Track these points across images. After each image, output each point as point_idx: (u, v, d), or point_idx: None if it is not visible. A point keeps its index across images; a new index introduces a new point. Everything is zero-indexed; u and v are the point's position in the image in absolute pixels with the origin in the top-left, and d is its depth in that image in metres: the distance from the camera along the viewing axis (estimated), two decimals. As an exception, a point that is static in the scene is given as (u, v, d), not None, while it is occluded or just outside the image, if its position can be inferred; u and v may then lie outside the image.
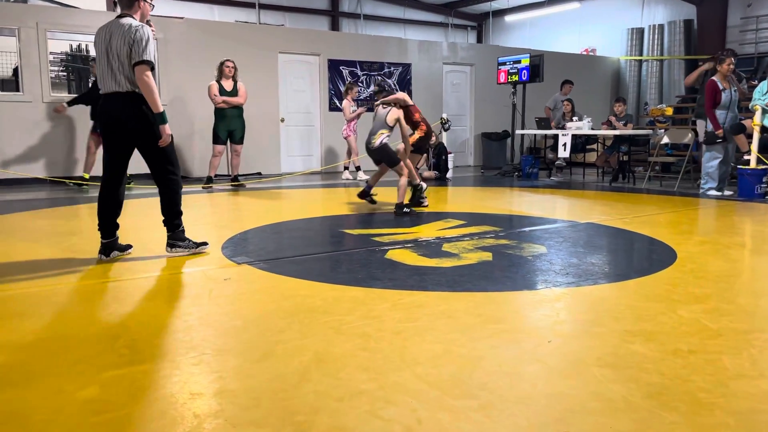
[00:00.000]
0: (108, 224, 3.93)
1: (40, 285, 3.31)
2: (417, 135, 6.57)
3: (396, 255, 4.04)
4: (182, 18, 10.10)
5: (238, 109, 8.30)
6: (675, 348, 2.35)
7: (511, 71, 10.62)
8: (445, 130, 10.41)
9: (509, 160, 11.55)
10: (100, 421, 1.78)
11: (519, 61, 10.47)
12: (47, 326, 2.64)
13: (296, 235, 4.92)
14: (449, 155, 10.15)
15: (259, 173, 10.25)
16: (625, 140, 9.21)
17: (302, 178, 10.01)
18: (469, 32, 18.53)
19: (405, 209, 5.93)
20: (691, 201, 7.05)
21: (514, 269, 3.67)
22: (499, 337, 2.49)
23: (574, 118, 9.87)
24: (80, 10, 10.23)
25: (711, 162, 7.60)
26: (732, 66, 7.50)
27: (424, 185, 6.44)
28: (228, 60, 8.25)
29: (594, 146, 10.36)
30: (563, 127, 9.76)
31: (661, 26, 13.77)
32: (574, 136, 9.51)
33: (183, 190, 4.13)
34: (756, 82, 9.30)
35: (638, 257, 4.28)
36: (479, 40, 18.33)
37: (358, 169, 9.74)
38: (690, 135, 8.56)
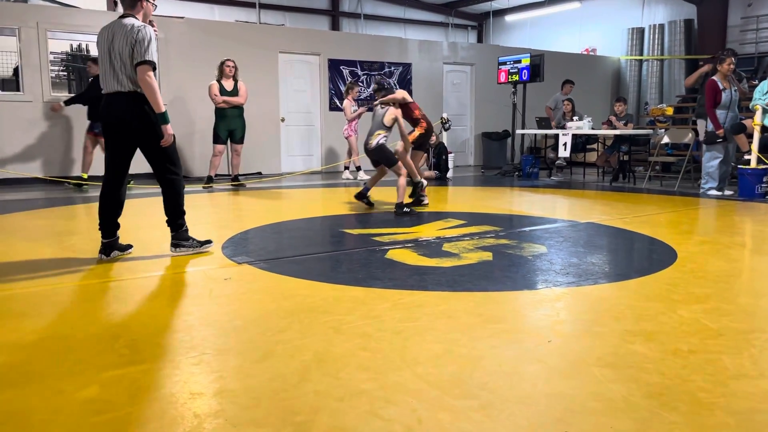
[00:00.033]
0: (109, 224, 3.93)
1: (41, 284, 3.31)
2: (417, 132, 6.56)
3: (396, 255, 4.04)
4: (182, 18, 10.10)
5: (239, 108, 8.30)
6: (675, 348, 2.35)
7: (511, 71, 10.62)
8: (446, 130, 10.40)
9: (509, 160, 11.54)
10: (100, 421, 1.78)
11: (519, 61, 10.47)
12: (47, 326, 2.64)
13: (296, 235, 4.92)
14: (449, 155, 10.15)
15: (260, 173, 10.25)
16: (625, 140, 9.21)
17: (302, 178, 10.01)
18: (470, 32, 18.53)
19: (405, 209, 5.93)
20: (691, 201, 7.05)
21: (515, 269, 3.67)
22: (499, 336, 2.49)
23: (575, 118, 9.87)
24: (81, 9, 10.24)
25: (711, 162, 7.60)
26: (732, 66, 7.50)
27: (425, 182, 6.43)
28: (228, 59, 8.25)
29: (594, 146, 10.36)
30: (563, 127, 9.76)
31: (662, 26, 13.76)
32: (574, 136, 9.50)
33: (184, 189, 4.13)
34: (756, 81, 9.30)
35: (638, 257, 4.28)
36: (480, 39, 18.33)
37: (358, 169, 9.74)
38: (690, 135, 8.55)
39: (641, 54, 14.17)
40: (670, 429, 1.73)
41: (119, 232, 4.03)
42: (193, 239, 4.11)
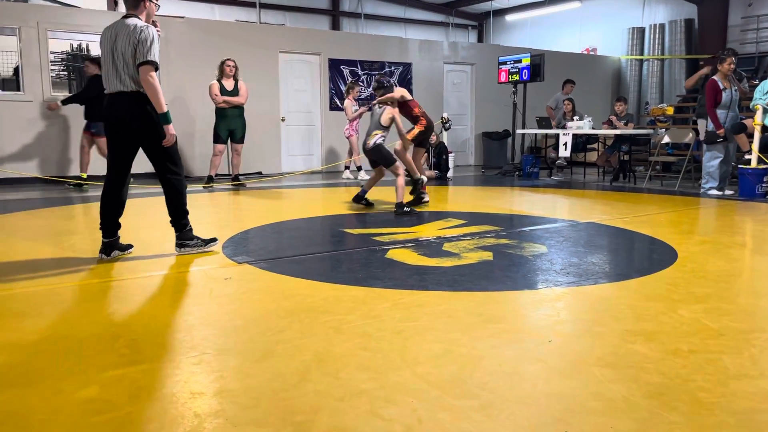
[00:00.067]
0: (110, 223, 3.94)
1: (41, 284, 3.31)
2: (417, 130, 6.53)
3: (396, 254, 4.04)
4: (183, 17, 10.10)
5: (239, 108, 8.30)
6: (675, 348, 2.35)
7: (511, 71, 10.62)
8: (446, 130, 10.40)
9: (510, 160, 11.55)
10: (100, 421, 1.78)
11: (520, 61, 10.47)
12: (47, 326, 2.64)
13: (297, 235, 4.92)
14: (450, 155, 10.15)
15: (260, 173, 10.25)
16: (625, 140, 9.21)
17: (303, 178, 10.01)
18: (470, 32, 18.52)
19: (405, 208, 5.92)
20: (691, 200, 7.05)
21: (515, 269, 3.67)
22: (499, 336, 2.49)
23: (575, 118, 9.87)
24: (81, 9, 10.25)
25: (712, 161, 7.59)
26: (733, 66, 7.50)
27: (425, 178, 6.42)
28: (229, 59, 8.25)
29: (595, 146, 10.36)
30: (564, 127, 9.75)
31: (662, 26, 13.75)
32: (574, 136, 9.50)
33: (186, 189, 4.14)
34: (757, 81, 9.29)
35: (639, 257, 4.28)
36: (480, 39, 18.32)
37: (359, 168, 9.74)
38: (691, 134, 8.55)
39: (642, 54, 14.17)
40: (671, 429, 1.73)
41: (120, 232, 4.03)
42: (198, 238, 4.12)
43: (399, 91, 6.41)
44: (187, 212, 4.07)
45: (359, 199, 6.32)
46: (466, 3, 16.77)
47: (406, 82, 11.88)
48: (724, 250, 4.20)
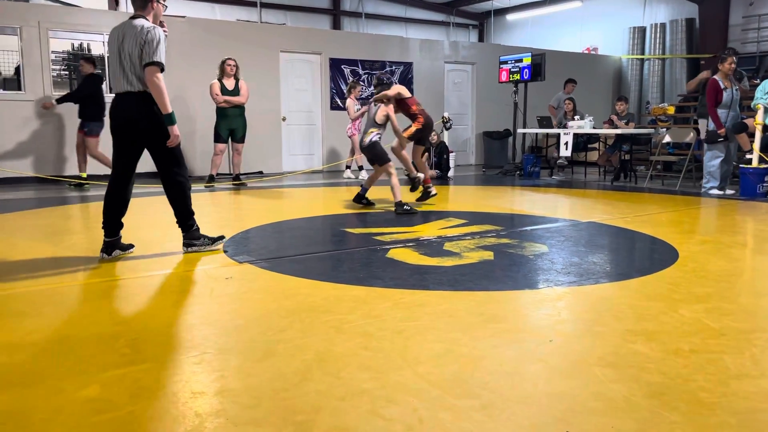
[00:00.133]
0: (113, 223, 3.94)
1: (42, 284, 3.32)
2: (414, 128, 6.48)
3: (397, 254, 4.04)
4: (184, 17, 10.10)
5: (240, 107, 8.30)
6: (676, 347, 2.35)
7: (512, 70, 10.61)
8: (447, 129, 10.40)
9: (511, 159, 11.55)
10: (101, 421, 1.78)
11: (521, 60, 10.46)
12: (48, 325, 2.64)
13: (298, 234, 4.92)
14: (451, 154, 10.15)
15: (261, 172, 10.25)
16: (626, 139, 9.20)
17: (304, 177, 10.01)
18: (471, 31, 18.51)
19: (405, 207, 5.91)
20: (692, 200, 7.04)
21: (516, 268, 3.67)
22: (500, 336, 2.49)
23: (576, 117, 9.87)
24: (82, 9, 10.25)
25: (713, 161, 7.59)
26: (733, 65, 7.49)
27: (421, 176, 6.42)
28: (229, 58, 8.25)
29: (596, 145, 10.35)
30: (565, 126, 9.75)
31: (663, 25, 13.75)
32: (575, 135, 9.50)
33: (190, 190, 4.14)
34: (758, 80, 9.28)
35: (640, 256, 4.28)
36: (481, 38, 18.31)
37: (360, 168, 9.74)
38: (692, 134, 8.55)
39: (643, 53, 14.16)
40: (671, 429, 1.73)
41: (121, 232, 4.03)
42: (205, 237, 4.14)
43: (395, 88, 6.34)
44: (192, 212, 4.09)
45: (360, 198, 6.32)
46: (467, 2, 16.76)
47: (406, 81, 11.88)
48: (725, 250, 4.19)
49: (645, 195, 7.67)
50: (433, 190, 6.48)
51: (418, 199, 6.43)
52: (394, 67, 11.77)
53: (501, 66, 10.87)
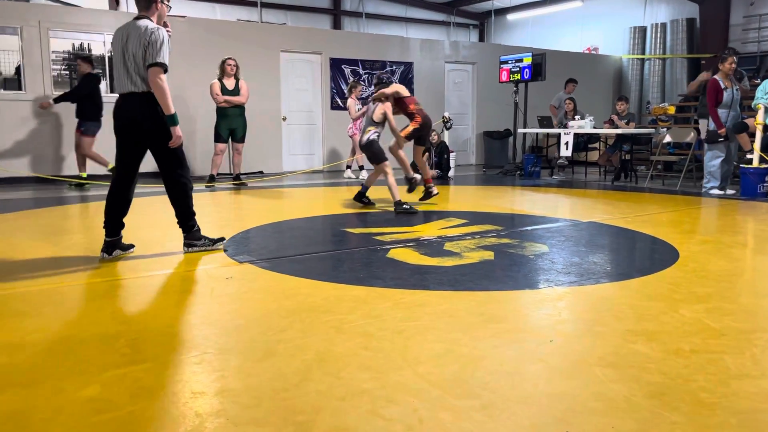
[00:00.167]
0: (114, 222, 3.95)
1: (42, 284, 3.32)
2: (411, 127, 6.45)
3: (398, 254, 4.04)
4: (184, 17, 10.10)
5: (240, 107, 8.30)
6: (677, 347, 2.35)
7: (513, 70, 10.61)
8: (447, 129, 10.40)
9: (511, 159, 11.55)
10: (101, 420, 1.78)
11: (521, 60, 10.46)
12: (48, 325, 2.64)
13: (298, 234, 4.92)
14: (451, 154, 10.14)
15: (261, 172, 10.25)
16: (627, 139, 9.20)
17: (304, 177, 10.01)
18: (471, 31, 18.51)
19: (404, 206, 5.91)
20: (693, 200, 7.04)
21: (516, 268, 3.67)
22: (500, 336, 2.48)
23: (576, 117, 9.86)
24: (82, 8, 10.25)
25: (713, 161, 7.58)
26: (734, 65, 7.49)
27: (418, 177, 6.42)
28: (230, 58, 8.25)
29: (596, 145, 10.35)
30: (565, 126, 9.75)
31: (664, 25, 13.74)
32: (576, 135, 9.49)
33: (192, 191, 4.14)
34: (758, 80, 9.28)
35: (640, 256, 4.28)
36: (481, 38, 18.31)
37: (361, 168, 9.74)
38: (692, 134, 8.54)
39: (643, 53, 14.15)
40: (672, 429, 1.73)
41: (122, 232, 4.03)
42: (206, 238, 4.14)
43: (393, 87, 6.31)
44: (193, 213, 4.09)
45: (360, 196, 6.32)
46: (468, 2, 16.77)
47: (407, 81, 11.88)
48: (725, 250, 4.19)
49: (645, 195, 7.67)
50: (435, 189, 6.50)
51: (420, 199, 6.46)
52: (394, 67, 11.77)
53: (501, 66, 10.87)
